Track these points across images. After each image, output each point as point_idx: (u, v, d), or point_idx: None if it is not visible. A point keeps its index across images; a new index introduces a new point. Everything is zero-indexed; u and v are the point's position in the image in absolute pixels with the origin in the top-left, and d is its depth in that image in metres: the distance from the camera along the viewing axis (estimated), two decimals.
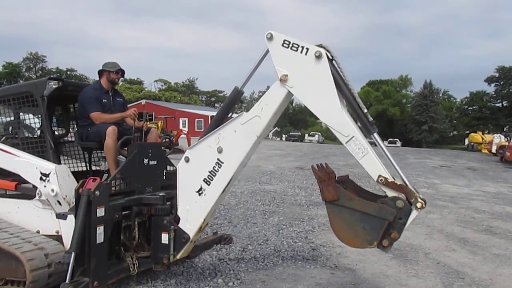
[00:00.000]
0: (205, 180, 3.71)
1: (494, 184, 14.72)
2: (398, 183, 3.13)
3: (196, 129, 48.66)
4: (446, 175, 16.97)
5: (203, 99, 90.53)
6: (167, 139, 21.87)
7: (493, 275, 4.92)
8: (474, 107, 67.43)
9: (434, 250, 5.86)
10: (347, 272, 4.84)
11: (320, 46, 3.32)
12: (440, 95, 71.28)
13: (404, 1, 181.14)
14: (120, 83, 70.93)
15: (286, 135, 57.98)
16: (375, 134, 3.28)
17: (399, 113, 64.42)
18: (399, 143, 53.30)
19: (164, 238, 3.85)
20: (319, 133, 60.73)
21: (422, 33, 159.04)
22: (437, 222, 7.70)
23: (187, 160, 3.79)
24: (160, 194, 4.05)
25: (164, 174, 4.37)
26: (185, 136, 22.50)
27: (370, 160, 3.19)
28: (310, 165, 15.34)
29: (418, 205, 3.03)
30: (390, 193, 3.13)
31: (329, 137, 65.89)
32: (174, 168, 4.38)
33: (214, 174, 3.68)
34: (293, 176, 13.74)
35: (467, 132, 53.71)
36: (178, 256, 3.88)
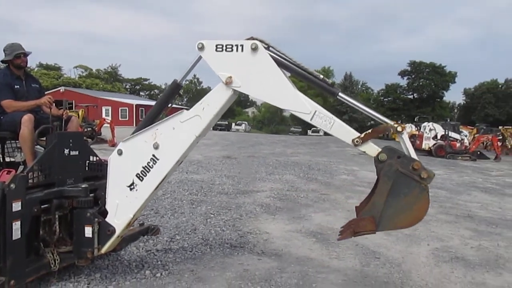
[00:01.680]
0: (138, 176, 3.62)
1: None
2: (370, 130, 3.16)
3: (120, 118, 46.89)
4: (364, 162, 17.98)
5: (127, 87, 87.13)
6: (89, 128, 20.90)
7: (405, 254, 5.35)
8: (389, 99, 71.80)
9: None
10: (274, 257, 5.00)
11: (252, 38, 3.36)
12: (359, 86, 75.17)
13: None
14: (36, 69, 66.23)
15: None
16: (341, 94, 3.33)
17: (322, 103, 66.54)
18: (322, 132, 55.29)
19: (88, 231, 3.71)
20: (246, 122, 61.35)
21: (343, 27, 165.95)
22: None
23: (120, 153, 3.67)
24: (83, 186, 3.90)
25: (87, 165, 4.19)
26: (108, 125, 21.59)
27: (339, 127, 3.24)
28: (237, 154, 15.36)
29: (399, 129, 3.10)
30: (370, 150, 3.16)
31: (255, 126, 66.87)
32: (97, 158, 4.23)
33: (148, 170, 3.60)
34: (220, 165, 13.80)
35: None
36: (103, 250, 3.77)
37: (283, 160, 16.56)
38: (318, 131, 55.16)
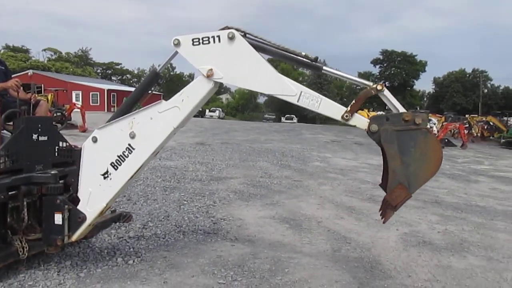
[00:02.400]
0: (113, 164, 3.57)
1: (377, 157, 16.19)
2: (354, 101, 3.19)
3: (91, 103, 45.85)
4: (336, 149, 18.26)
5: (99, 71, 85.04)
6: (58, 113, 20.37)
7: (375, 239, 5.48)
8: (361, 87, 72.86)
9: (325, 218, 6.34)
10: (247, 243, 5.04)
11: (227, 28, 3.33)
12: None
13: None
14: (2, 51, 63.74)
15: None
16: (325, 67, 3.36)
17: None
18: (295, 119, 55.75)
19: (58, 218, 3.64)
20: (220, 109, 61.00)
21: (318, 14, 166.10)
22: (328, 193, 8.32)
23: (94, 140, 3.61)
24: (52, 172, 3.80)
25: (56, 150, 4.09)
26: (79, 110, 21.08)
27: (327, 104, 3.25)
28: (210, 140, 15.29)
29: (379, 87, 3.15)
30: (360, 123, 3.19)
31: (229, 112, 66.67)
32: (67, 144, 4.14)
33: (123, 160, 3.55)
34: (194, 151, 13.73)
35: None
36: (74, 238, 3.71)
37: (256, 147, 16.60)
38: (291, 118, 55.48)
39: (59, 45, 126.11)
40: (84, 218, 3.63)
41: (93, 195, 3.63)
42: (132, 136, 3.52)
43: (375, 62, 72.00)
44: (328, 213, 6.71)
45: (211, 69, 3.34)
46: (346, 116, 3.19)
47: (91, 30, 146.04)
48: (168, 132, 3.52)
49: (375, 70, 72.80)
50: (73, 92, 45.42)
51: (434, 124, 27.80)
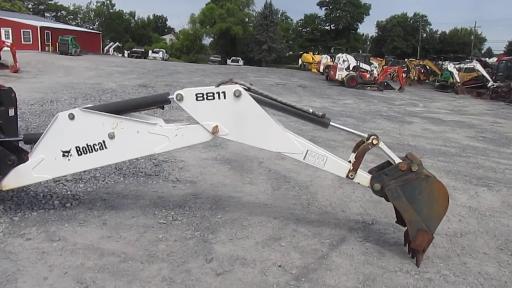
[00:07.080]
0: (78, 149, 3.47)
1: (320, 99, 16.59)
2: (355, 159, 3.38)
3: (23, 41, 42.33)
4: (281, 92, 18.42)
5: (30, 6, 78.01)
6: None
7: (313, 177, 5.73)
8: (307, 29, 72.77)
9: (267, 159, 6.50)
10: (188, 184, 5.09)
11: (231, 81, 3.33)
12: (279, 16, 74.66)
13: None
14: None
15: (129, 51, 54.66)
16: (332, 123, 3.45)
17: (242, 32, 65.71)
18: (241, 62, 55.07)
19: None
20: (164, 50, 58.72)
21: None
22: None
23: (71, 117, 3.44)
24: None
25: None
26: (9, 49, 19.45)
27: (332, 163, 3.40)
28: (153, 82, 14.83)
29: (374, 142, 3.35)
30: (363, 180, 3.42)
31: (173, 54, 64.49)
32: None
33: (90, 150, 3.46)
34: (135, 94, 13.31)
35: (301, 52, 58.13)
36: (5, 185, 3.59)
37: None
38: (237, 61, 54.68)
39: None
40: (14, 161, 3.50)
41: (44, 163, 3.52)
42: (111, 136, 3.42)
43: (321, 4, 71.55)
44: (269, 154, 6.86)
45: (217, 126, 3.33)
46: (351, 175, 3.40)
47: None
48: (146, 153, 3.54)
49: (321, 12, 72.57)
50: (1, 29, 41.78)
51: (375, 67, 28.55)
